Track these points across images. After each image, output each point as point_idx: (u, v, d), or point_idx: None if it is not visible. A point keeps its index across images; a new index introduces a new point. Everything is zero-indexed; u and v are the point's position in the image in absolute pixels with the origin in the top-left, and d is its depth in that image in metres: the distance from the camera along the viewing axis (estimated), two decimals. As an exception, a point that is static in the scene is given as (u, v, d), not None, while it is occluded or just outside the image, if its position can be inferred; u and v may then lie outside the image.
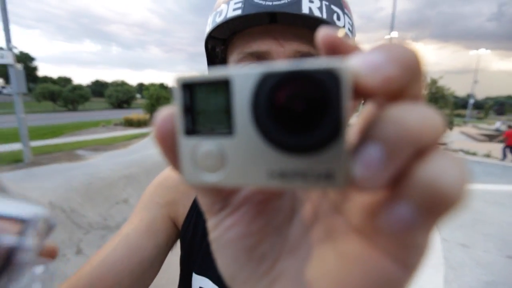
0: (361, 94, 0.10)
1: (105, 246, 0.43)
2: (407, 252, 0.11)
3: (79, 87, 34.38)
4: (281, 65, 0.10)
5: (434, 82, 14.21)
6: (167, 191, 0.49)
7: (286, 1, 0.34)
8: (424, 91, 0.11)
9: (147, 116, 15.70)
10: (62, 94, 32.45)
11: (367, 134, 0.10)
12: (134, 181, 4.24)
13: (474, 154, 10.11)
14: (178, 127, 0.12)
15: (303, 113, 0.10)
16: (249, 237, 0.15)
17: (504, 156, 9.54)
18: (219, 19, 0.38)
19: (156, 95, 16.71)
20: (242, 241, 0.14)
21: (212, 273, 0.43)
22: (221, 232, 0.15)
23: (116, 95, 38.69)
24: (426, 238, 0.11)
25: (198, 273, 0.44)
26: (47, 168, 4.29)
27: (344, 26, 0.38)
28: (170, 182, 0.50)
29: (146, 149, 6.01)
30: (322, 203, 0.15)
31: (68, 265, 2.55)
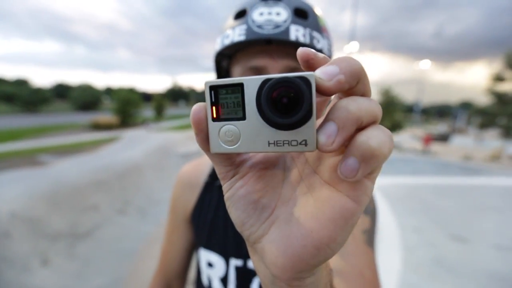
0: (324, 92, 0.16)
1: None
2: (358, 192, 0.17)
3: (39, 90, 31.74)
4: (275, 75, 0.17)
5: (387, 91, 15.47)
6: (181, 186, 0.62)
7: (278, 31, 0.45)
8: (370, 90, 0.18)
9: (116, 119, 14.98)
10: (21, 97, 29.71)
11: (328, 116, 0.16)
12: (104, 186, 4.06)
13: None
14: (208, 115, 0.19)
15: (288, 104, 0.16)
16: (254, 194, 0.20)
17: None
18: (227, 41, 0.48)
19: (126, 99, 16.04)
20: (249, 197, 0.20)
21: (216, 247, 0.52)
22: (234, 191, 0.21)
23: (82, 98, 36.36)
24: (370, 183, 0.17)
25: (205, 248, 0.53)
26: (6, 175, 3.96)
27: (323, 48, 0.49)
28: (184, 179, 0.63)
29: (117, 153, 5.76)
30: (304, 168, 0.21)
31: (34, 277, 2.39)
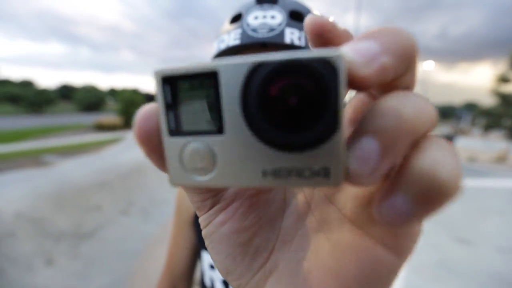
0: (356, 85, 0.10)
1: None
2: (400, 241, 0.12)
3: (44, 91, 32.10)
4: (274, 55, 0.10)
5: None
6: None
7: (273, 34, 0.44)
8: (415, 78, 0.12)
9: (120, 120, 15.10)
10: (26, 98, 30.06)
11: (362, 127, 0.10)
12: (107, 187, 4.09)
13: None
14: (161, 126, 0.11)
15: (298, 108, 0.10)
16: (242, 232, 0.14)
17: None
18: (222, 46, 0.47)
19: (129, 100, 16.17)
20: (236, 236, 0.14)
21: None
22: (213, 228, 0.15)
23: (86, 99, 36.70)
24: (419, 227, 0.12)
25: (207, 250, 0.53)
26: (11, 175, 4.00)
27: None
28: None
29: (120, 154, 5.81)
30: (314, 193, 0.15)
31: (37, 276, 2.41)
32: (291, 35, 0.44)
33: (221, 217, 0.15)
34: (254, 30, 0.45)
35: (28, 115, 26.48)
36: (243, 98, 0.10)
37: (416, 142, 0.10)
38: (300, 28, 0.46)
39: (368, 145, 0.09)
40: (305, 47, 0.45)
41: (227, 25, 0.50)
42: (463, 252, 3.03)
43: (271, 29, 0.44)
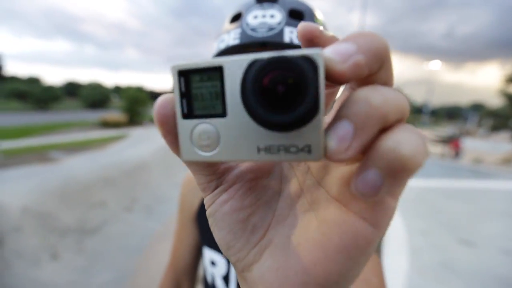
0: (335, 79, 0.12)
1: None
2: (377, 214, 0.13)
3: (50, 88, 32.46)
4: (267, 53, 0.12)
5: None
6: (188, 185, 0.62)
7: (272, 33, 0.44)
8: (393, 77, 0.14)
9: (124, 117, 15.21)
10: (33, 94, 30.42)
11: (340, 113, 0.12)
12: (112, 183, 4.13)
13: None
14: (176, 111, 0.14)
15: (284, 95, 0.11)
16: (242, 211, 0.16)
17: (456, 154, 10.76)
18: (222, 45, 0.47)
19: (134, 98, 16.27)
20: (236, 214, 0.16)
21: (219, 247, 0.52)
22: (217, 207, 0.17)
23: (92, 96, 37.02)
24: (394, 201, 0.13)
25: (209, 247, 0.54)
26: (18, 170, 4.06)
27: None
28: (192, 177, 0.61)
29: (124, 151, 5.85)
30: (306, 178, 0.17)
31: (43, 270, 2.45)
32: (290, 34, 0.44)
33: (223, 197, 0.17)
34: (253, 29, 0.45)
35: (35, 112, 26.82)
36: (242, 87, 0.12)
37: (387, 127, 0.12)
38: None
39: (344, 127, 0.11)
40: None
41: (227, 25, 0.49)
42: (466, 254, 3.01)
43: (271, 28, 0.44)
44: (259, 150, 0.13)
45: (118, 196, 4.00)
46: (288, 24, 0.44)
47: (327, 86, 0.14)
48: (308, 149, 0.12)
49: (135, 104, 16.30)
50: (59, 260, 2.64)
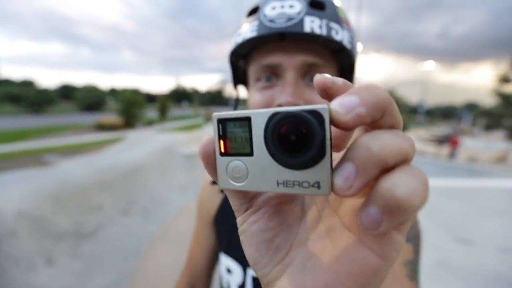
0: (341, 127, 0.14)
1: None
2: (383, 246, 0.14)
3: (44, 91, 32.13)
4: (284, 108, 0.15)
5: (391, 92, 15.23)
6: (207, 189, 0.63)
7: (291, 23, 0.41)
8: (401, 121, 0.15)
9: (120, 120, 15.11)
10: (27, 98, 30.07)
11: (346, 155, 0.14)
12: (109, 186, 4.10)
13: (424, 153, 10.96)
14: (216, 149, 0.18)
15: (297, 142, 0.14)
16: (268, 231, 0.19)
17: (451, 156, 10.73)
18: (239, 39, 0.46)
19: (130, 100, 16.18)
20: (262, 234, 0.19)
21: (235, 255, 0.52)
22: (247, 226, 0.19)
23: (87, 99, 36.74)
24: (399, 235, 0.15)
25: (225, 253, 0.54)
26: (13, 174, 4.01)
27: (342, 39, 0.44)
28: (207, 185, 0.63)
29: (121, 153, 5.81)
30: (324, 206, 0.19)
31: (38, 275, 2.41)
32: (311, 24, 0.42)
33: (252, 218, 0.19)
34: (271, 20, 0.43)
35: (29, 115, 26.52)
36: (265, 134, 0.16)
37: (389, 168, 0.14)
38: (321, 17, 0.43)
39: (347, 168, 0.13)
40: (327, 36, 0.42)
41: (244, 19, 0.48)
42: (462, 252, 3.03)
43: (290, 19, 0.42)
44: (278, 183, 0.16)
45: (115, 199, 3.97)
46: (308, 13, 0.42)
47: (339, 131, 0.17)
48: (317, 185, 0.15)
49: (131, 107, 16.22)
50: (55, 265, 2.61)
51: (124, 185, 4.36)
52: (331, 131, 0.14)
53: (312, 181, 0.15)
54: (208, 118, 26.35)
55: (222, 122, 0.17)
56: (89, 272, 2.66)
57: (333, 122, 0.14)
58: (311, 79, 0.44)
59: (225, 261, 0.53)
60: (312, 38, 0.43)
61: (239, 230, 0.20)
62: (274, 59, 0.45)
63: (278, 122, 0.15)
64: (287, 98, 0.42)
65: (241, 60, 0.53)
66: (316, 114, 0.14)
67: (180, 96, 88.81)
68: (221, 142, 0.18)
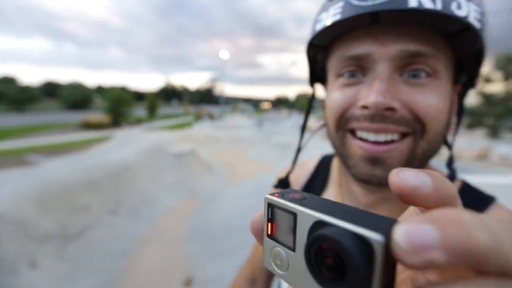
0: (406, 266, 0.10)
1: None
2: None
3: (27, 88, 30.99)
4: (331, 219, 0.13)
5: None
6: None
7: None
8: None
9: (107, 119, 14.77)
10: (8, 95, 28.92)
11: None
12: (96, 186, 4.00)
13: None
14: (264, 229, 0.18)
15: (334, 267, 0.12)
16: None
17: None
18: (317, 27, 0.37)
19: (118, 98, 15.83)
20: None
21: None
22: None
23: (72, 97, 35.69)
24: None
25: None
26: (-8, 175, 3.86)
27: (468, 15, 0.31)
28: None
29: (108, 152, 5.69)
30: None
31: (21, 279, 2.33)
32: None
33: None
34: None
35: (11, 113, 25.53)
36: (306, 241, 0.14)
37: None
38: None
39: None
40: (442, 12, 0.30)
41: (325, 2, 0.39)
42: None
43: None
44: None
45: (102, 199, 3.88)
46: None
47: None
48: None
49: (119, 105, 15.87)
50: (39, 268, 2.53)
51: (112, 185, 4.26)
52: (387, 267, 0.11)
53: None
54: (198, 117, 26.11)
55: (271, 206, 0.17)
56: (74, 274, 2.59)
57: (394, 256, 0.10)
58: (414, 75, 0.33)
59: None
60: (419, 16, 0.31)
61: None
62: (362, 48, 0.35)
63: (317, 238, 0.13)
64: (376, 98, 0.32)
65: (321, 53, 0.44)
66: (363, 245, 0.11)
67: (170, 94, 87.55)
68: (269, 224, 0.17)
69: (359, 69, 0.36)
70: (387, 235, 0.11)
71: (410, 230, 0.09)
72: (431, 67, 0.33)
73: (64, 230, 3.10)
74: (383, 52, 0.33)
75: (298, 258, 0.15)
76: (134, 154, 5.52)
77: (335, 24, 0.35)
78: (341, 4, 0.34)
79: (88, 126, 12.99)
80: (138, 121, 18.18)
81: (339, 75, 0.38)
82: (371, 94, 0.33)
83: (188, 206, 4.49)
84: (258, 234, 0.17)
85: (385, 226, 0.11)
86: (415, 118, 0.34)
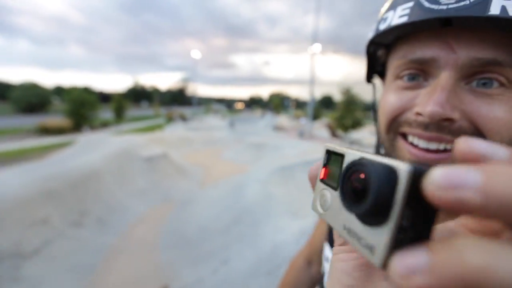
0: (434, 203, 0.10)
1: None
2: None
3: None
4: (370, 156, 0.14)
5: (348, 91, 16.39)
6: None
7: (468, 2, 0.28)
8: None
9: (68, 123, 13.66)
10: None
11: (430, 242, 0.10)
12: (56, 197, 3.65)
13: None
14: (318, 174, 0.20)
15: (361, 189, 0.14)
16: (350, 277, 0.18)
17: None
18: (382, 26, 0.36)
19: (80, 100, 14.71)
20: (346, 277, 0.18)
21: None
22: (335, 259, 0.20)
23: (26, 99, 32.56)
24: None
25: (328, 243, 0.50)
26: None
27: None
28: None
29: (70, 159, 5.25)
30: None
31: (-34, 308, 2.04)
32: (505, 1, 0.26)
33: (342, 256, 0.19)
34: (434, 0, 0.30)
35: (-49, 118, 22.60)
36: (344, 174, 0.16)
37: None
38: None
39: (419, 257, 0.10)
40: None
41: None
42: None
43: None
44: (344, 227, 0.16)
45: (64, 210, 3.56)
46: None
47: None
48: (371, 249, 0.13)
49: (81, 107, 14.77)
50: (-12, 293, 2.24)
51: (75, 194, 3.93)
52: (414, 200, 0.11)
53: (369, 242, 0.13)
54: (170, 118, 25.24)
55: (328, 152, 0.19)
56: (33, 296, 2.33)
57: (424, 192, 0.10)
58: (484, 83, 0.30)
59: (327, 251, 0.50)
60: (500, 23, 0.27)
61: (331, 259, 0.20)
62: (427, 52, 0.32)
63: (351, 165, 0.15)
64: (433, 108, 0.29)
65: (383, 49, 0.43)
66: (390, 171, 0.12)
67: (139, 95, 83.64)
68: (323, 169, 0.19)
69: (421, 72, 0.34)
70: (419, 168, 0.11)
71: (452, 169, 0.09)
72: (506, 77, 0.29)
73: (18, 247, 2.78)
74: (450, 58, 0.31)
75: (338, 194, 0.17)
76: (100, 159, 5.15)
77: (401, 26, 0.33)
78: (410, 4, 0.32)
79: (45, 131, 11.89)
80: (104, 124, 17.07)
81: (398, 77, 0.37)
82: (429, 102, 0.31)
83: (161, 211, 4.30)
84: (313, 179, 0.20)
85: (400, 164, 0.12)
86: (475, 131, 0.30)
